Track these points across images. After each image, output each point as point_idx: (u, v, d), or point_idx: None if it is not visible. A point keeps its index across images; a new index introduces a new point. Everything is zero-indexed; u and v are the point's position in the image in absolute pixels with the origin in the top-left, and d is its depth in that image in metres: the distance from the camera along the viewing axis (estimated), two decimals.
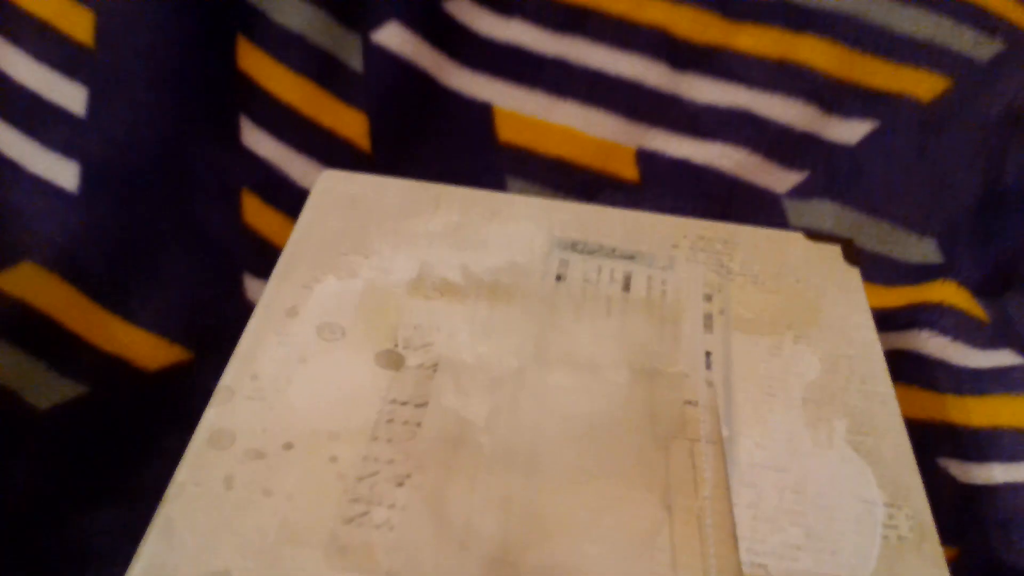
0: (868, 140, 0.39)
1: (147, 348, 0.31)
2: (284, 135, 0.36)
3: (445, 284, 0.28)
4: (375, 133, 0.38)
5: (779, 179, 0.39)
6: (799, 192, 0.39)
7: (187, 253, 0.33)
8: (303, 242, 0.29)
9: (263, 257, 0.34)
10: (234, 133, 0.36)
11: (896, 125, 0.39)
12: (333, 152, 0.37)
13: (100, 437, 0.29)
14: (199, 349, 0.32)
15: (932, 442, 0.32)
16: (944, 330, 0.35)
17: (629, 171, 0.39)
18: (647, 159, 0.39)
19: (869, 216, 0.39)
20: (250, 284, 0.34)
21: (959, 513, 0.30)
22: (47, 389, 0.29)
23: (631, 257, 0.30)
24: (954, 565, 0.23)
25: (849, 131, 0.39)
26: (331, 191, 0.32)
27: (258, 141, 0.36)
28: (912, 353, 0.35)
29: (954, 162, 0.39)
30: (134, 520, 0.22)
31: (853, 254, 0.31)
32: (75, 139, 0.33)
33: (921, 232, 0.38)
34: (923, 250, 0.38)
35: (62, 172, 0.32)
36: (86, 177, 0.32)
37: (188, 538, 0.21)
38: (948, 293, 0.37)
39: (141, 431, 0.30)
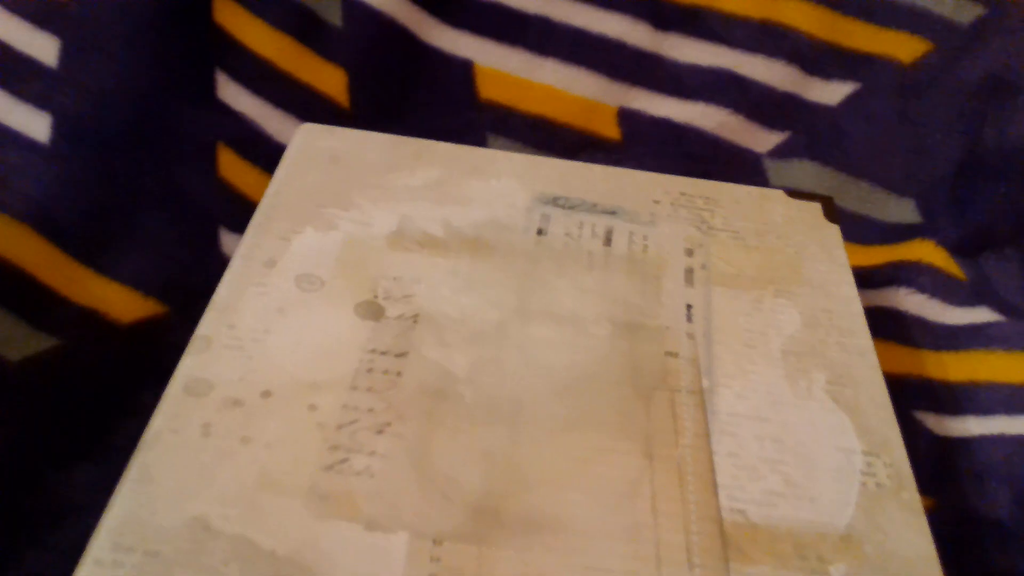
0: (849, 102, 0.39)
1: (121, 301, 0.31)
2: (261, 90, 0.36)
3: (426, 237, 0.28)
4: (354, 89, 0.37)
5: (760, 139, 0.39)
6: (780, 152, 0.39)
7: (162, 207, 0.33)
8: (281, 194, 0.29)
9: (239, 212, 0.33)
10: (210, 87, 0.35)
11: (877, 87, 0.39)
12: (311, 108, 0.36)
13: (74, 390, 0.29)
14: (174, 303, 0.31)
15: (909, 396, 0.32)
16: (922, 288, 0.36)
17: (611, 130, 0.39)
18: (629, 118, 0.39)
19: (849, 176, 0.39)
20: (226, 239, 0.34)
21: (935, 465, 0.30)
22: (19, 341, 0.28)
23: (613, 213, 0.30)
24: (930, 515, 0.23)
25: (830, 92, 0.39)
26: (309, 144, 0.31)
27: (234, 95, 0.35)
28: (890, 310, 0.35)
29: (934, 125, 0.39)
30: (109, 473, 0.22)
31: (833, 211, 0.31)
32: (47, 91, 0.33)
33: (900, 193, 0.39)
34: (902, 210, 0.38)
35: (34, 124, 0.32)
36: (58, 129, 0.32)
37: (165, 485, 0.21)
38: (926, 252, 0.37)
39: (115, 385, 0.29)
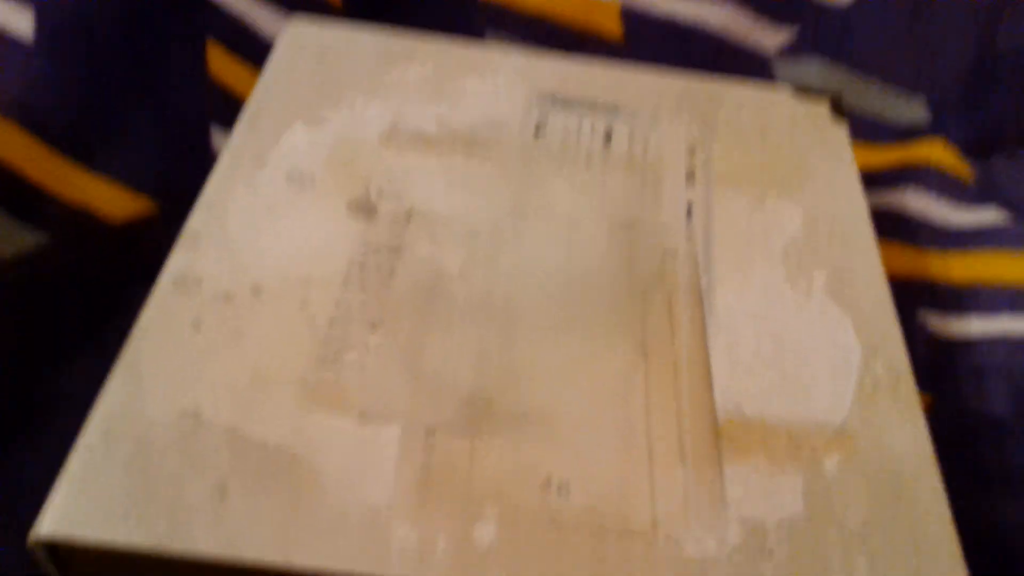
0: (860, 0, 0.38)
1: (111, 199, 0.30)
2: None
3: (419, 136, 0.27)
4: None
5: (768, 37, 0.38)
6: (788, 50, 0.38)
7: (151, 104, 0.32)
8: (270, 90, 0.28)
9: (229, 109, 0.32)
10: None
11: None
12: (301, 2, 0.35)
13: (65, 286, 0.28)
14: (165, 201, 0.31)
15: (912, 296, 0.32)
16: (929, 187, 0.35)
17: (613, 28, 0.37)
18: (632, 15, 0.37)
19: (858, 75, 0.38)
20: (217, 136, 0.33)
21: (935, 363, 0.30)
22: (8, 238, 0.28)
23: (613, 111, 0.29)
24: (928, 412, 0.23)
25: None
26: (299, 39, 0.30)
27: None
28: (897, 210, 0.35)
29: (947, 25, 0.38)
30: (100, 368, 0.22)
31: (841, 109, 0.30)
32: None
33: (910, 92, 0.38)
34: (912, 110, 0.37)
35: (16, 19, 0.31)
36: (41, 25, 0.31)
37: (155, 379, 0.21)
38: (935, 152, 0.36)
39: (107, 281, 0.29)
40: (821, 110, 0.30)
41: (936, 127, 0.37)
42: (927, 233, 0.34)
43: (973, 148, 0.36)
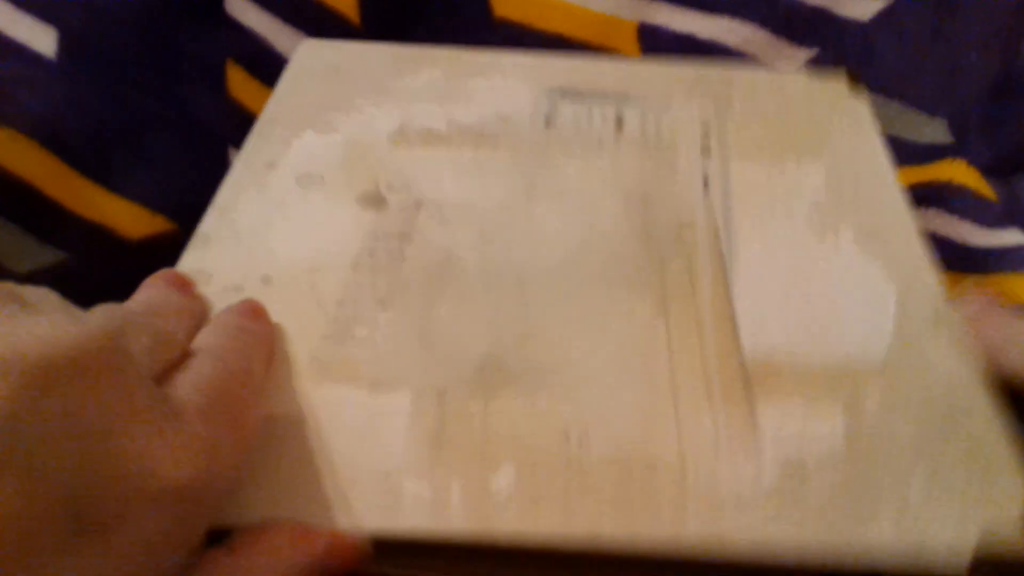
0: (881, 17, 0.37)
1: (129, 218, 0.30)
2: (270, 5, 0.35)
3: (428, 133, 0.27)
4: (365, 5, 0.36)
5: (788, 56, 0.37)
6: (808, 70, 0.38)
7: (170, 124, 0.32)
8: (282, 101, 0.28)
9: (248, 129, 0.33)
10: (218, 1, 0.34)
11: (910, 2, 0.37)
12: (321, 24, 0.35)
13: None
14: (182, 221, 0.30)
15: None
16: (952, 209, 0.34)
17: (630, 47, 0.37)
18: (649, 34, 0.37)
19: (879, 96, 0.37)
20: (235, 156, 0.33)
21: None
22: (26, 255, 0.28)
23: (624, 99, 0.29)
24: None
25: (861, 7, 0.37)
26: (313, 56, 0.31)
27: (243, 11, 0.35)
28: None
29: (968, 43, 0.37)
30: None
31: (858, 83, 0.29)
32: (53, 3, 0.32)
33: (932, 112, 0.37)
34: (933, 131, 0.37)
35: (39, 37, 0.31)
36: (64, 43, 0.31)
37: None
38: (957, 172, 0.35)
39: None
40: (839, 86, 0.30)
41: (958, 148, 0.36)
42: (951, 254, 0.33)
43: (995, 168, 0.36)
